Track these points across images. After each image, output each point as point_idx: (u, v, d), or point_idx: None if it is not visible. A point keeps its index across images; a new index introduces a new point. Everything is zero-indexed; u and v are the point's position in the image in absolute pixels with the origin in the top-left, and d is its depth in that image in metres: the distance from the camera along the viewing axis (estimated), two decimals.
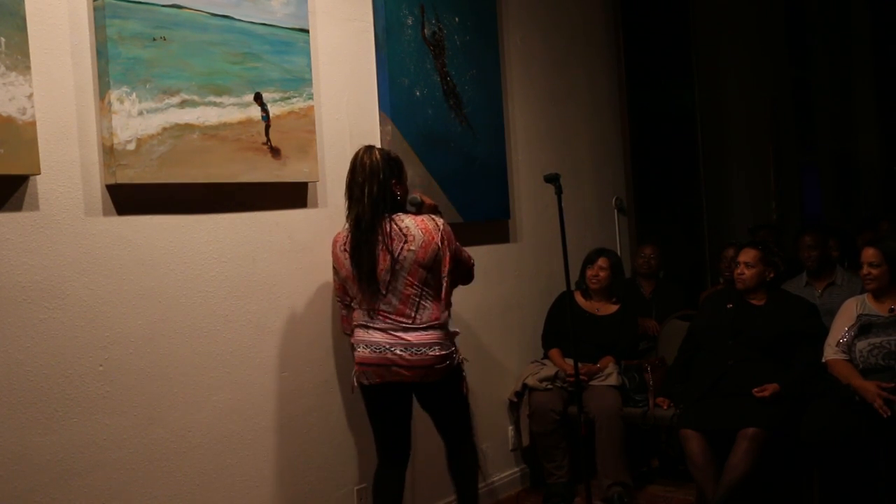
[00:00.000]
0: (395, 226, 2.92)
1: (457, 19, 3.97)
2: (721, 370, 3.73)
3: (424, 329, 2.93)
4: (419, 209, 3.08)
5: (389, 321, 2.93)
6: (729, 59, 6.78)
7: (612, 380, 4.13)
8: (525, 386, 4.20)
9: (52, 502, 2.51)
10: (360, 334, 2.99)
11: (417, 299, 2.93)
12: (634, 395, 4.11)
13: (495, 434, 4.23)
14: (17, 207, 2.46)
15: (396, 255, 2.89)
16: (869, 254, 3.56)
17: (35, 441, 2.48)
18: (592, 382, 4.12)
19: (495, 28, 4.25)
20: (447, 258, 2.97)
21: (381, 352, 2.93)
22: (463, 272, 3.14)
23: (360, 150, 2.98)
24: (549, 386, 4.13)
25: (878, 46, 9.07)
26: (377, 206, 2.90)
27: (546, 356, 4.34)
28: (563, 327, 4.18)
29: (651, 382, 4.07)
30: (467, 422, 3.24)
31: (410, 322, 2.92)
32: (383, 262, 2.89)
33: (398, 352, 2.91)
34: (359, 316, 3.00)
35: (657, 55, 5.90)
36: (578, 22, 4.95)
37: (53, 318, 2.53)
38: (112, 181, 2.64)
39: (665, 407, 4.01)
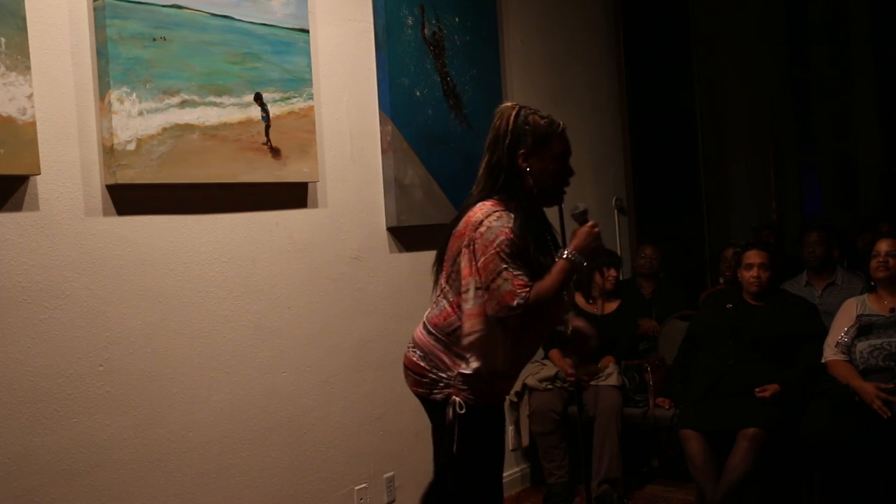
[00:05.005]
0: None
1: (457, 19, 3.97)
2: (721, 370, 3.72)
3: (423, 327, 2.43)
4: (580, 221, 2.51)
5: None
6: (729, 59, 6.77)
7: (613, 380, 4.12)
8: (525, 386, 4.20)
9: (52, 502, 2.51)
10: None
11: (439, 295, 2.41)
12: (634, 395, 4.11)
13: None
14: (17, 207, 2.46)
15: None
16: (887, 244, 3.57)
17: (35, 441, 2.48)
18: (593, 382, 4.12)
19: (495, 28, 4.24)
20: (465, 268, 2.29)
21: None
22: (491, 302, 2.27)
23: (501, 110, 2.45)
24: (549, 386, 4.13)
25: (878, 46, 9.06)
26: (484, 183, 2.41)
27: (546, 356, 4.34)
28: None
29: (651, 382, 4.07)
30: (457, 494, 2.39)
31: (425, 318, 2.46)
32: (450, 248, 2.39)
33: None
34: None
35: (657, 55, 5.90)
36: (578, 22, 4.95)
37: (53, 318, 2.53)
38: (112, 181, 2.64)
39: (665, 407, 4.01)
